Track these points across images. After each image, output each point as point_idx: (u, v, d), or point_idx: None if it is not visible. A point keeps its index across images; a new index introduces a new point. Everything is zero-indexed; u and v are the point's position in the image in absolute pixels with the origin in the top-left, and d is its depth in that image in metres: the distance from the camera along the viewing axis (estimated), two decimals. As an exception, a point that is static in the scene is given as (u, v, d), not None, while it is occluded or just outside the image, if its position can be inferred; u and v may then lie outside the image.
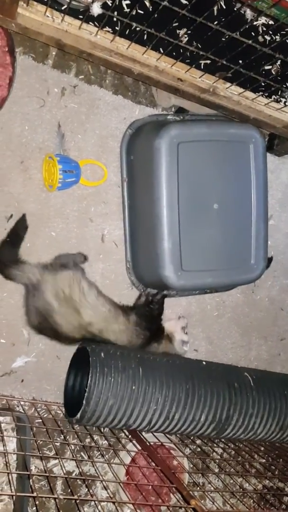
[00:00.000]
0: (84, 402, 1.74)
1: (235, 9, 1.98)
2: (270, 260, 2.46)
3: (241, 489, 2.26)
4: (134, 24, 1.64)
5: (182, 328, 2.16)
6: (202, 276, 2.01)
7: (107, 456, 2.14)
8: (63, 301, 1.86)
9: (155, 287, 2.16)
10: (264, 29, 2.04)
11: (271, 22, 2.04)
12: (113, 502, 1.61)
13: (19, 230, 1.95)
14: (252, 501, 2.30)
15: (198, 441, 2.26)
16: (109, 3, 1.77)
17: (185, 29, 1.87)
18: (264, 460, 2.24)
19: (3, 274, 1.89)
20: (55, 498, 1.70)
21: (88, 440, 2.10)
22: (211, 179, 2.02)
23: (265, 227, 2.12)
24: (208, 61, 1.91)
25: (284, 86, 2.05)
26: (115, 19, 1.77)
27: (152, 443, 1.97)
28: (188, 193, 1.94)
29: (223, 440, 2.25)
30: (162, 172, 1.88)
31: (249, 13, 2.03)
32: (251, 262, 2.10)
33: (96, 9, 1.61)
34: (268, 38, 2.06)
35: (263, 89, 2.03)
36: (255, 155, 2.06)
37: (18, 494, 1.63)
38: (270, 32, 2.06)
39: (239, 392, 2.00)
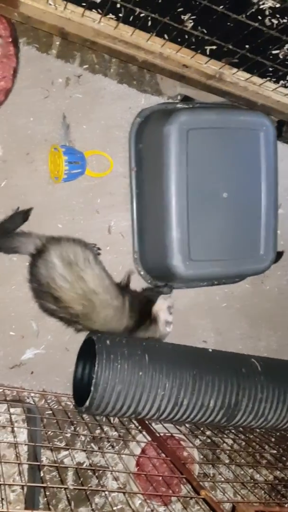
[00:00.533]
0: (92, 388, 1.74)
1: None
2: (280, 254, 2.43)
3: (252, 480, 2.25)
4: (138, 10, 1.62)
5: (168, 307, 2.10)
6: (210, 265, 1.99)
7: (117, 447, 2.14)
8: (67, 265, 1.79)
9: (162, 278, 2.15)
10: (271, 12, 1.99)
11: (278, 5, 1.99)
12: (124, 493, 1.61)
13: (16, 218, 1.92)
14: (263, 492, 2.29)
15: (208, 432, 2.25)
16: (112, -11, 1.74)
17: (189, 14, 1.84)
18: (275, 451, 2.23)
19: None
20: (65, 488, 1.71)
21: (98, 431, 2.11)
22: (221, 167, 2.00)
23: (275, 217, 2.09)
24: (214, 47, 1.88)
25: (292, 70, 2.01)
26: (118, 5, 1.74)
27: (162, 434, 1.97)
28: (197, 182, 1.92)
29: (233, 431, 2.24)
30: (171, 160, 1.86)
31: (255, -4, 1.98)
32: (260, 253, 2.07)
33: (98, -4, 1.59)
34: (275, 21, 2.00)
35: (271, 74, 1.99)
36: (266, 143, 2.03)
37: (28, 484, 1.64)
38: (277, 15, 2.01)
39: (247, 377, 1.99)
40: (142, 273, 2.17)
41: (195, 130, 1.89)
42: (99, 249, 2.05)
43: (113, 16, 1.76)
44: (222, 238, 2.02)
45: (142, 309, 2.00)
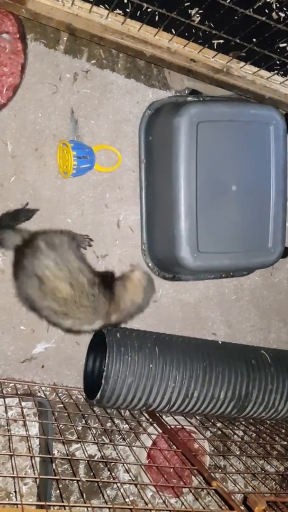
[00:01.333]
0: (103, 381, 1.76)
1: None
2: None
3: (262, 471, 2.26)
4: (145, 5, 1.62)
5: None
6: (218, 257, 2.00)
7: (128, 439, 2.16)
8: (52, 247, 1.74)
9: (170, 270, 2.16)
10: (278, 5, 1.99)
11: (285, -2, 1.99)
12: (135, 485, 1.63)
13: (19, 215, 1.91)
14: (274, 483, 2.31)
15: (219, 424, 2.27)
16: (119, -16, 1.75)
17: (197, 8, 1.84)
18: (286, 442, 2.24)
19: None
20: (78, 481, 1.74)
21: (109, 424, 2.13)
22: (230, 160, 2.00)
23: (284, 211, 2.09)
24: (221, 41, 1.88)
25: (300, 63, 2.00)
26: (125, 0, 1.74)
27: (172, 426, 1.99)
28: (206, 174, 1.93)
29: (243, 422, 2.26)
30: (181, 151, 1.87)
31: (262, -11, 1.98)
32: (269, 246, 2.08)
33: (106, -9, 1.59)
34: (282, 14, 2.01)
35: (278, 67, 1.99)
36: (275, 137, 2.03)
37: (41, 476, 1.66)
38: (285, 9, 2.01)
39: (257, 368, 2.01)
40: (150, 264, 2.19)
41: (205, 123, 1.89)
42: (91, 240, 2.02)
43: (121, 12, 1.76)
44: (230, 230, 2.03)
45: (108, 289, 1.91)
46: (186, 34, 1.83)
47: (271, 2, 2.00)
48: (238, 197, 2.01)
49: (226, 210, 2.01)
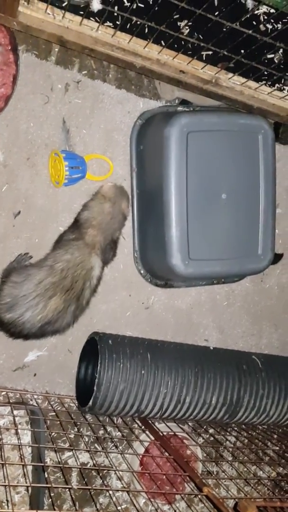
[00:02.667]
0: (95, 388, 1.78)
1: (235, -2, 1.97)
2: (280, 256, 2.46)
3: (255, 477, 2.27)
4: (135, 18, 1.65)
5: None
6: (209, 265, 2.02)
7: (121, 447, 2.17)
8: None
9: (162, 277, 2.18)
10: (266, 17, 2.03)
11: (272, 11, 2.03)
12: (128, 492, 1.64)
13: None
14: (266, 488, 2.32)
15: (211, 430, 2.28)
16: (109, -3, 1.78)
17: (185, 21, 1.88)
18: (277, 448, 2.25)
19: None
20: (69, 488, 1.74)
21: (101, 431, 2.13)
22: (220, 169, 2.03)
23: (272, 218, 2.12)
24: (210, 52, 1.91)
25: (287, 74, 2.04)
26: (115, 13, 1.77)
27: (165, 433, 1.99)
28: (196, 182, 1.96)
29: (235, 428, 2.27)
30: (171, 161, 1.90)
31: (250, 2, 2.02)
32: (259, 252, 2.10)
33: (96, 5, 1.62)
34: (270, 26, 2.05)
35: (266, 78, 2.03)
36: (264, 146, 2.06)
37: (32, 484, 1.66)
38: (272, 21, 2.05)
39: (248, 373, 2.03)
40: (142, 271, 2.21)
41: (195, 133, 1.93)
42: (30, 257, 2.02)
43: (111, 24, 1.79)
44: (221, 238, 2.06)
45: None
46: (175, 46, 1.86)
47: (258, 14, 2.05)
48: (228, 205, 2.04)
49: (216, 217, 2.03)
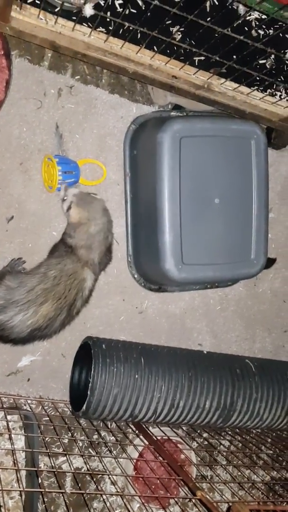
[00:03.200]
0: (89, 392, 1.78)
1: (227, 4, 1.98)
2: (273, 261, 2.47)
3: (249, 481, 2.28)
4: (127, 24, 1.66)
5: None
6: (203, 269, 2.02)
7: (114, 451, 2.17)
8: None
9: (156, 281, 2.18)
10: (257, 23, 2.05)
11: (264, 17, 2.05)
12: (122, 497, 1.64)
13: None
14: (260, 492, 2.32)
15: (205, 434, 2.28)
16: (102, 3, 1.79)
17: (178, 27, 1.89)
18: (271, 452, 2.26)
19: None
20: (63, 493, 1.73)
21: (95, 436, 2.13)
22: (213, 174, 2.04)
23: (265, 223, 2.13)
24: (202, 58, 1.93)
25: (279, 79, 2.06)
26: (108, 19, 1.78)
27: (159, 438, 1.99)
28: (189, 187, 1.96)
29: (229, 432, 2.27)
30: (164, 166, 1.91)
31: (242, 8, 2.04)
32: (251, 257, 2.11)
33: (88, 11, 1.63)
34: (261, 32, 2.07)
35: (258, 83, 2.04)
36: (257, 151, 2.07)
37: (26, 489, 1.66)
38: (263, 26, 2.07)
39: (242, 377, 2.03)
40: (135, 276, 2.21)
41: (188, 138, 1.94)
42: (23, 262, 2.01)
43: (103, 30, 1.80)
44: (214, 242, 2.06)
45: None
46: (168, 51, 1.88)
47: (250, 20, 2.07)
48: (221, 210, 2.05)
49: (209, 222, 2.04)
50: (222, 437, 2.25)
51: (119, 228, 2.19)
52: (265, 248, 2.14)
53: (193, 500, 1.61)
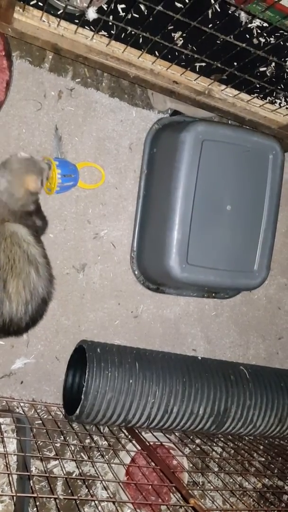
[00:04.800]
0: (82, 396, 1.77)
1: (229, 12, 1.99)
2: None
3: (240, 488, 2.27)
4: (129, 28, 1.66)
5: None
6: (205, 272, 2.02)
7: (107, 456, 2.16)
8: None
9: (156, 280, 2.19)
10: (259, 31, 2.06)
11: (265, 25, 2.06)
12: (113, 502, 1.63)
13: None
14: (251, 499, 2.32)
15: (198, 441, 2.27)
16: (105, 7, 1.79)
17: (180, 32, 1.89)
18: (263, 459, 2.26)
19: None
20: (55, 498, 1.72)
21: (88, 440, 2.12)
22: (229, 180, 2.06)
23: (272, 238, 2.14)
24: (203, 64, 1.93)
25: (279, 87, 2.07)
26: (110, 23, 1.78)
27: (151, 443, 1.99)
28: (204, 189, 1.98)
29: (222, 439, 2.27)
30: (183, 164, 1.93)
31: (243, 16, 2.05)
32: (254, 269, 2.12)
33: (91, 14, 1.63)
34: (263, 40, 2.08)
35: (258, 90, 2.05)
36: (273, 167, 2.09)
37: (18, 494, 1.64)
38: (265, 34, 2.08)
39: (236, 384, 2.03)
40: (136, 272, 2.21)
41: (210, 141, 1.96)
42: None
43: (105, 33, 1.80)
44: (220, 248, 2.07)
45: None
46: (169, 56, 1.88)
47: (252, 28, 2.07)
48: (232, 217, 2.06)
49: (218, 227, 2.05)
50: (214, 444, 2.24)
51: (116, 232, 2.19)
52: (268, 262, 2.15)
53: (185, 507, 1.60)
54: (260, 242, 2.11)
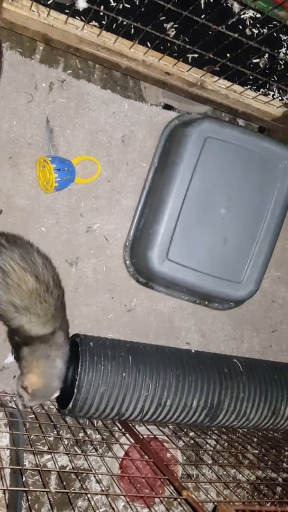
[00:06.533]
0: (75, 390, 1.76)
1: (221, 2, 1.97)
2: None
3: (234, 480, 2.28)
4: (121, 18, 1.64)
5: None
6: (184, 272, 1.98)
7: (100, 450, 2.15)
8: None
9: (142, 272, 2.17)
10: (252, 22, 2.04)
11: (258, 15, 2.04)
12: (106, 495, 1.63)
13: None
14: (245, 492, 2.32)
15: (191, 433, 2.27)
16: (95, -4, 1.76)
17: (172, 23, 1.87)
18: (257, 451, 2.26)
19: None
20: (47, 492, 1.72)
21: (81, 434, 2.12)
22: (228, 182, 1.99)
23: (269, 251, 2.06)
24: (196, 55, 1.91)
25: (272, 79, 2.05)
26: (101, 13, 1.76)
27: (145, 436, 1.99)
28: (200, 188, 1.94)
29: (216, 431, 2.27)
30: (181, 159, 1.91)
31: (236, 6, 2.03)
32: (241, 280, 2.05)
33: (81, 3, 1.61)
34: (255, 31, 2.06)
35: (251, 82, 2.04)
36: (283, 176, 2.02)
37: (10, 488, 1.63)
38: (258, 25, 2.06)
39: (229, 377, 2.03)
40: (127, 262, 2.20)
41: (214, 139, 1.92)
42: None
43: (96, 24, 1.78)
44: (206, 250, 2.01)
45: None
46: (162, 47, 1.86)
47: (245, 18, 2.06)
48: (225, 221, 2.00)
49: (208, 229, 2.00)
50: (208, 436, 2.25)
51: (109, 225, 2.18)
52: (259, 276, 2.06)
53: (179, 499, 1.60)
54: (253, 253, 2.04)
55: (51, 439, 2.06)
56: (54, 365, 1.74)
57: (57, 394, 1.78)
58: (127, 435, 2.01)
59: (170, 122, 2.17)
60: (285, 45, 2.10)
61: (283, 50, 2.08)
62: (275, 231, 2.06)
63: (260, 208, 2.03)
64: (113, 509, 1.62)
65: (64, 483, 1.94)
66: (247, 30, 2.04)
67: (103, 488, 1.78)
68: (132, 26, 1.78)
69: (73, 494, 2.09)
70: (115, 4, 1.82)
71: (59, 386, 1.77)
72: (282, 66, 2.11)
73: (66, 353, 1.79)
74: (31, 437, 1.88)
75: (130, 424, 2.02)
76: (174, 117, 2.18)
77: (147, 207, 2.13)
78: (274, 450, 2.23)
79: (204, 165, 1.92)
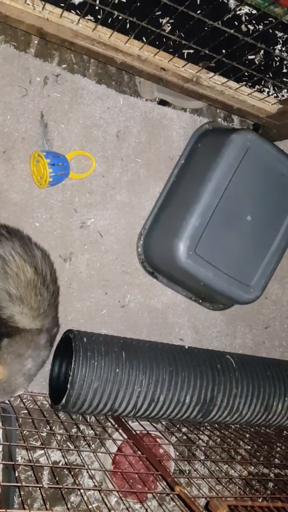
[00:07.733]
0: (68, 386, 1.76)
1: (218, -3, 1.97)
2: None
3: (226, 476, 2.29)
4: (116, 13, 1.63)
5: None
6: (207, 267, 2.04)
7: (93, 445, 2.16)
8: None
9: (155, 263, 2.21)
10: (247, 18, 2.04)
11: (254, 12, 2.04)
12: (99, 491, 1.63)
13: None
14: (237, 487, 2.34)
15: (184, 429, 2.28)
16: (91, -10, 1.75)
17: (167, 18, 1.86)
18: (249, 447, 2.28)
19: None
20: (40, 487, 1.72)
21: (74, 430, 2.12)
22: (257, 193, 2.11)
23: (275, 264, 2.18)
24: (191, 51, 1.91)
25: (267, 75, 2.05)
26: (97, 7, 1.75)
27: (138, 432, 1.99)
28: (233, 192, 2.02)
29: (208, 427, 2.28)
30: (224, 160, 1.99)
31: (232, 2, 2.02)
32: (251, 283, 2.14)
33: (77, -3, 1.60)
34: (251, 27, 2.05)
35: (247, 78, 2.03)
36: None
37: (2, 483, 1.63)
38: (254, 22, 2.06)
39: (222, 373, 2.04)
40: (139, 249, 2.24)
41: (254, 152, 2.03)
42: None
43: (92, 18, 1.77)
44: (227, 251, 2.09)
45: None
46: (157, 42, 1.85)
47: (241, 14, 2.05)
48: (248, 228, 2.11)
49: (233, 232, 2.09)
50: (201, 432, 2.25)
51: (103, 221, 2.17)
52: (265, 284, 2.18)
53: (171, 495, 1.61)
54: (265, 262, 2.16)
55: (44, 434, 2.06)
56: (23, 363, 1.75)
57: (20, 392, 1.79)
58: (120, 430, 2.02)
59: (201, 126, 2.28)
60: (281, 41, 2.09)
61: (279, 46, 2.08)
62: (284, 248, 2.20)
63: (277, 224, 2.16)
64: (106, 505, 1.62)
65: (57, 479, 1.93)
66: (243, 26, 2.03)
67: (96, 484, 1.78)
68: (127, 20, 1.77)
69: (65, 490, 2.09)
70: (111, -2, 1.80)
71: (25, 386, 1.79)
72: (277, 63, 2.10)
73: (42, 358, 1.82)
74: (24, 432, 1.88)
75: (123, 420, 2.02)
76: (205, 122, 2.31)
77: (172, 200, 2.19)
78: (266, 446, 2.24)
79: (241, 171, 2.02)
